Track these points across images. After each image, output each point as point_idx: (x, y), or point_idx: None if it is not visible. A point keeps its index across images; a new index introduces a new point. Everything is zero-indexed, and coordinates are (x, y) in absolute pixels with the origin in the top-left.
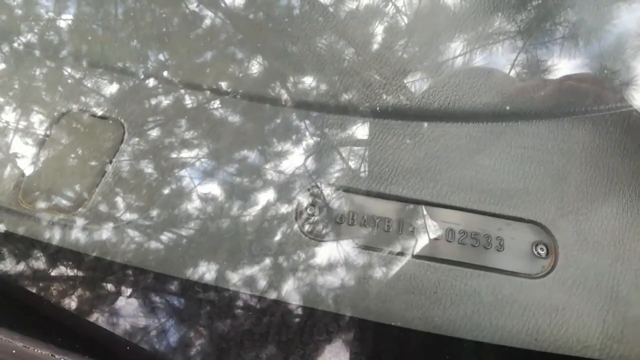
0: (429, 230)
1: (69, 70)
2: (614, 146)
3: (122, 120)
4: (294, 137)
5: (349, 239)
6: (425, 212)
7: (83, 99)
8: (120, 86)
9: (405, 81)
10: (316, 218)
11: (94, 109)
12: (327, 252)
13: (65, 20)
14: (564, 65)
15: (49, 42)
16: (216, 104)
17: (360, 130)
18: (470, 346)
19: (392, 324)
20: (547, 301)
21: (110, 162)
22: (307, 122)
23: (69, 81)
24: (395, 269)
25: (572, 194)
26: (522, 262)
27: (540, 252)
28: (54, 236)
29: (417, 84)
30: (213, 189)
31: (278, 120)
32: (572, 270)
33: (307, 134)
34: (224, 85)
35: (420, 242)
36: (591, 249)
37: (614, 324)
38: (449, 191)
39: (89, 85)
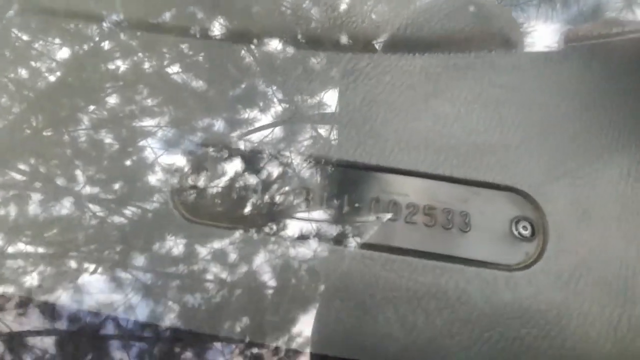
0: (364, 205)
1: (16, 31)
2: (629, 82)
3: None
4: (260, 103)
5: (249, 219)
6: (360, 179)
7: (32, 63)
8: (73, 50)
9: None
10: (201, 189)
11: (46, 74)
12: (212, 236)
13: None
14: (539, 27)
15: None
16: (177, 67)
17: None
18: None
19: (297, 348)
20: (534, 303)
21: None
22: (274, 87)
23: (17, 44)
24: (314, 260)
25: (567, 150)
26: (496, 246)
27: (523, 231)
28: (9, 212)
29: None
30: (177, 159)
31: (243, 85)
32: (568, 257)
33: (275, 100)
34: (184, 48)
35: (352, 222)
36: (594, 225)
37: (630, 335)
38: (394, 149)
39: (38, 48)
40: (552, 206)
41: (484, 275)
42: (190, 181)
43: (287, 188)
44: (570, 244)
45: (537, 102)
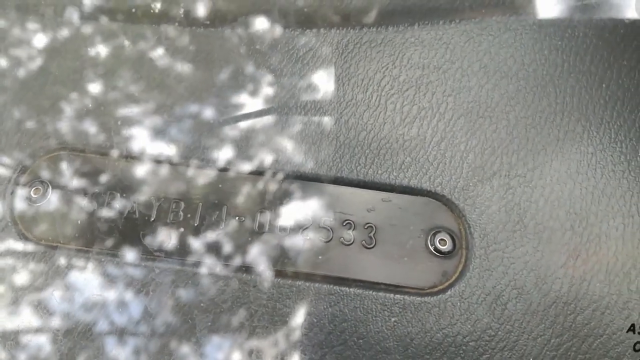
0: (238, 218)
1: None
2: (581, 61)
3: None
4: (249, 87)
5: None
6: (236, 183)
7: (12, 51)
8: (53, 34)
9: None
10: (41, 203)
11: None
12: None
13: None
14: None
15: None
16: (160, 51)
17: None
18: None
19: None
20: (450, 334)
21: None
22: (264, 69)
23: None
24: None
25: (499, 145)
26: (407, 266)
27: (441, 246)
28: None
29: None
30: (165, 149)
31: (229, 68)
32: (496, 277)
33: (263, 84)
34: (169, 31)
35: (225, 238)
36: (531, 237)
37: None
38: (273, 149)
39: (16, 34)
40: (478, 214)
41: (389, 301)
42: (33, 191)
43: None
44: (498, 261)
45: (465, 86)
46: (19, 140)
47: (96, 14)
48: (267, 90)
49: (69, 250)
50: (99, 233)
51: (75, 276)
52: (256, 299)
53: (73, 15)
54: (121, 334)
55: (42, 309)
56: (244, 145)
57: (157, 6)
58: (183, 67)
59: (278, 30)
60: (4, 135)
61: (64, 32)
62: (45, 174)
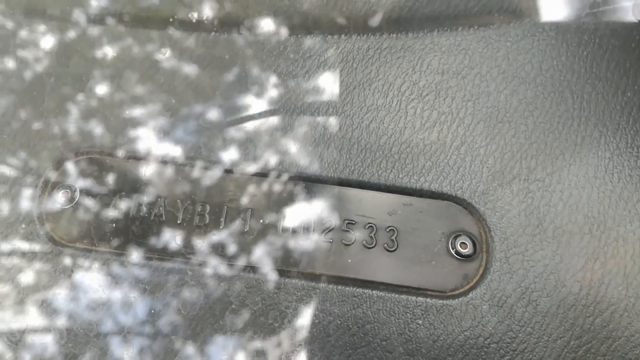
0: (263, 221)
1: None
2: (599, 66)
3: None
4: (254, 88)
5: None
6: (259, 184)
7: (20, 53)
8: (60, 36)
9: None
10: (71, 204)
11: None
12: (77, 266)
13: None
14: None
15: None
16: (167, 53)
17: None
18: None
19: None
20: (471, 336)
21: None
22: (269, 71)
23: (1, 33)
24: (207, 291)
25: (519, 149)
26: (428, 268)
27: (462, 249)
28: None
29: None
30: (171, 149)
31: (236, 70)
32: (516, 280)
33: (268, 85)
34: (175, 33)
35: (252, 241)
36: (550, 241)
37: None
38: (297, 153)
39: (24, 36)
40: (498, 218)
41: (412, 303)
42: (61, 194)
43: (188, 202)
44: (518, 264)
45: (484, 92)
46: (46, 143)
47: (103, 16)
48: (289, 95)
49: (99, 252)
50: (132, 235)
51: (106, 277)
52: (282, 301)
53: (80, 16)
54: (152, 320)
55: (76, 309)
56: (265, 150)
57: (165, 10)
58: (213, 71)
59: (299, 37)
60: (31, 137)
61: (71, 33)
62: (72, 177)
